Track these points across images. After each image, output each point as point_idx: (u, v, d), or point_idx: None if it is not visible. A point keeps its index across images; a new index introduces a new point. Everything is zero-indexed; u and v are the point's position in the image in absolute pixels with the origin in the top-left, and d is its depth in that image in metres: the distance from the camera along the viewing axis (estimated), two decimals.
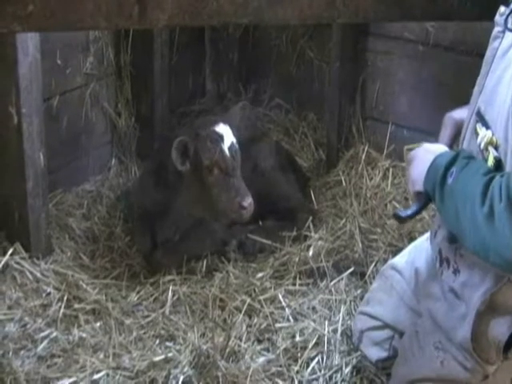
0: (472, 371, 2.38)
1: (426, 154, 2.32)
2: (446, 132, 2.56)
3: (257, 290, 3.42)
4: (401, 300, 2.86)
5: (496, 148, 2.09)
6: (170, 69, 4.63)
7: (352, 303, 3.34)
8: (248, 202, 3.37)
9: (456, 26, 3.92)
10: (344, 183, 4.29)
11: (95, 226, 3.95)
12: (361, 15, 2.42)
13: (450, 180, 2.13)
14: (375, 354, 2.94)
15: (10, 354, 3.01)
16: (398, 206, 4.03)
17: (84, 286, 3.42)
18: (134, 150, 4.52)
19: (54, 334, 3.14)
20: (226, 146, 3.40)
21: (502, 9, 2.22)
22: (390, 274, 2.98)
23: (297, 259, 3.61)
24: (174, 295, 3.41)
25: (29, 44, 3.23)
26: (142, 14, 2.16)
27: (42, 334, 3.14)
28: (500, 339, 2.30)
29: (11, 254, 3.50)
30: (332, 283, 3.48)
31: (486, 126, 2.15)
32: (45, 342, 3.10)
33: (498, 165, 2.07)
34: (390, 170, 4.20)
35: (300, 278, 3.54)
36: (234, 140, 3.46)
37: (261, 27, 4.95)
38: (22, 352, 3.05)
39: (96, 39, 4.17)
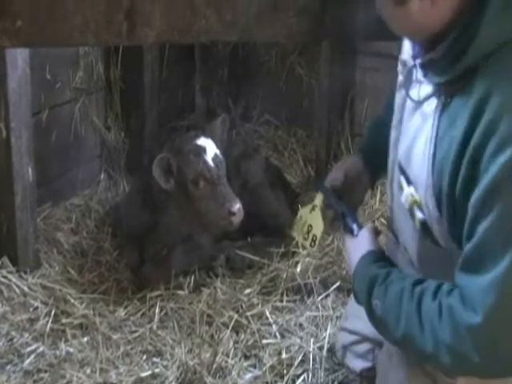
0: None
1: (350, 255, 2.38)
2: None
3: (244, 306, 3.42)
4: None
5: (421, 207, 2.06)
6: (160, 84, 4.64)
7: (339, 320, 3.33)
8: (237, 207, 3.38)
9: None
10: None
11: (83, 241, 3.95)
12: (349, 33, 2.44)
13: (378, 311, 2.11)
14: (360, 364, 2.91)
15: None
16: (385, 222, 4.03)
17: (72, 300, 3.41)
18: (123, 164, 4.53)
19: (41, 349, 3.13)
20: (209, 157, 3.42)
21: (406, 56, 2.17)
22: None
23: (284, 275, 3.62)
24: (161, 310, 3.41)
25: (18, 58, 3.24)
26: (130, 31, 2.17)
27: (29, 349, 3.12)
28: None
29: None
30: (319, 299, 3.48)
31: (409, 181, 2.13)
32: (31, 357, 3.08)
33: (425, 227, 2.07)
34: (379, 187, 4.20)
35: (287, 295, 3.54)
36: (217, 151, 3.48)
37: (250, 43, 4.97)
38: (9, 367, 3.04)
39: (86, 54, 4.18)
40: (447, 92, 1.93)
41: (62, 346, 3.16)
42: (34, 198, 3.58)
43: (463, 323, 1.83)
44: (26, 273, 3.55)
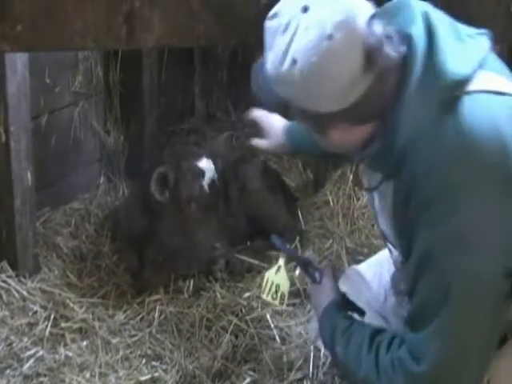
0: None
1: (315, 301, 2.61)
2: None
3: (243, 309, 3.42)
4: (368, 304, 2.84)
5: None
6: (159, 87, 4.64)
7: None
8: (220, 244, 3.44)
9: None
10: (332, 203, 4.29)
11: (83, 245, 3.94)
12: None
13: (340, 357, 2.30)
14: None
15: None
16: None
17: (71, 304, 3.41)
18: (122, 168, 4.52)
19: (40, 353, 3.13)
20: (206, 182, 3.43)
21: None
22: (357, 279, 2.95)
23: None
24: (160, 315, 3.41)
25: (17, 62, 3.23)
26: (130, 35, 2.17)
27: (28, 353, 3.13)
28: None
29: None
30: None
31: (394, 246, 2.33)
32: (31, 361, 3.08)
33: None
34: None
35: (288, 299, 3.54)
36: (216, 176, 3.48)
37: (250, 47, 4.96)
38: (8, 371, 3.04)
39: (85, 58, 4.17)
40: (390, 176, 2.10)
41: (62, 350, 3.16)
42: (33, 202, 3.57)
43: (411, 373, 2.02)
44: (25, 277, 3.54)
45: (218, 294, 3.55)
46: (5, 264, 3.54)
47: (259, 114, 3.04)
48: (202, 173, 3.40)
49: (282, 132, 2.95)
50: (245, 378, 3.05)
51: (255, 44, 2.41)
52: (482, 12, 2.54)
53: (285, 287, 2.84)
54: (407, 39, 1.96)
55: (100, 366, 3.09)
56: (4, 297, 3.41)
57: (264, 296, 2.87)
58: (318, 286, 2.63)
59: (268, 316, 3.37)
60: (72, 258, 3.84)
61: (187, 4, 2.22)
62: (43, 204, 4.03)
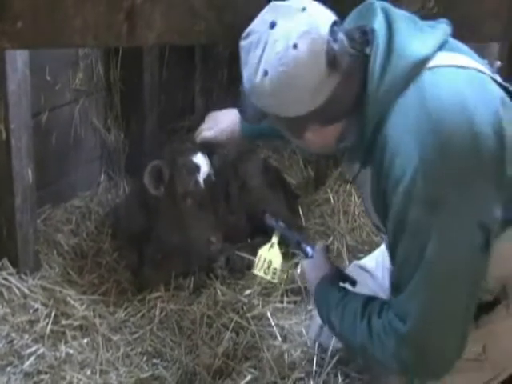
0: None
1: (308, 276, 2.76)
2: None
3: (244, 307, 3.43)
4: (375, 294, 2.86)
5: None
6: (160, 85, 4.63)
7: None
8: (216, 238, 3.39)
9: None
10: (332, 201, 4.30)
11: (83, 242, 3.94)
12: None
13: (337, 328, 2.48)
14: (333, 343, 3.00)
15: None
16: None
17: (72, 302, 3.41)
18: (123, 165, 4.52)
19: (41, 351, 3.13)
20: (201, 177, 3.41)
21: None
22: (359, 272, 3.02)
23: (284, 276, 3.61)
24: (161, 312, 3.41)
25: (18, 60, 3.23)
26: (130, 33, 2.17)
27: (29, 351, 3.12)
28: None
29: None
30: None
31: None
32: (32, 359, 3.08)
33: None
34: None
35: (287, 296, 3.54)
36: (211, 172, 3.46)
37: None
38: (9, 368, 3.04)
39: (85, 55, 4.17)
40: (365, 163, 2.27)
41: (62, 347, 3.16)
42: (33, 200, 3.57)
43: (400, 334, 2.17)
44: (26, 274, 3.54)
45: (218, 291, 3.55)
46: (5, 261, 3.54)
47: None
48: (196, 168, 3.40)
49: (238, 123, 3.06)
50: (245, 376, 3.04)
51: None
52: (484, 10, 2.54)
53: (277, 263, 2.96)
54: (370, 34, 2.15)
55: (101, 364, 3.09)
56: (5, 294, 3.41)
57: (256, 271, 2.99)
58: (310, 260, 2.80)
59: (269, 313, 3.37)
60: (73, 256, 3.84)
61: (188, 2, 2.22)
62: (44, 201, 4.03)
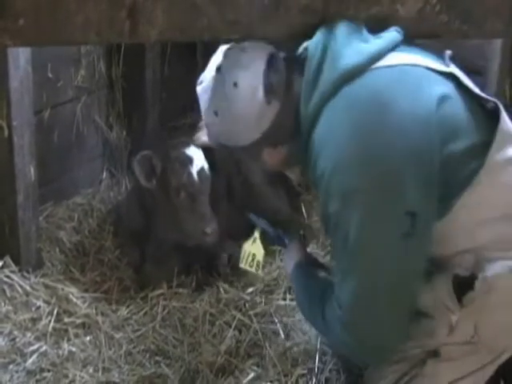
0: (437, 325, 2.41)
1: (285, 264, 2.97)
2: None
3: (247, 304, 3.42)
4: None
5: None
6: (162, 82, 4.63)
7: None
8: (211, 229, 3.38)
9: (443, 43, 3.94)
10: None
11: (85, 240, 3.95)
12: None
13: (304, 311, 2.68)
14: None
15: None
16: None
17: (74, 299, 3.41)
18: (125, 163, 4.52)
19: (44, 348, 3.13)
20: (194, 169, 3.41)
21: None
22: None
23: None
24: (164, 309, 3.41)
25: (20, 57, 3.23)
26: (133, 29, 2.16)
27: (32, 348, 3.12)
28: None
29: (1, 268, 3.50)
30: None
31: None
32: (34, 356, 3.08)
33: None
34: None
35: (290, 293, 3.54)
36: (205, 165, 3.46)
37: None
38: (11, 366, 3.04)
39: (87, 52, 4.17)
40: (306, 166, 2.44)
41: (65, 345, 3.16)
42: (36, 197, 3.57)
43: (340, 319, 2.32)
44: (28, 272, 3.54)
45: (221, 288, 3.55)
46: (8, 259, 3.53)
47: None
48: (189, 160, 3.39)
49: None
50: (248, 373, 3.03)
51: (259, 39, 2.41)
52: (486, 7, 2.53)
53: (260, 256, 3.09)
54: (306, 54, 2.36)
55: (103, 361, 3.09)
56: (7, 292, 3.42)
57: (242, 265, 3.09)
58: (286, 250, 3.00)
59: (272, 311, 3.37)
60: (75, 253, 3.85)
61: None
62: (46, 199, 4.03)
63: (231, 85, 2.34)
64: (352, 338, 2.32)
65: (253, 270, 3.10)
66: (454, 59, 2.46)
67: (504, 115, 2.36)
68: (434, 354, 2.46)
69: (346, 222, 2.21)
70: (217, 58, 2.44)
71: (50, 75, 3.87)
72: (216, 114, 2.40)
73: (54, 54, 3.87)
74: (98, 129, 4.41)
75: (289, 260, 2.89)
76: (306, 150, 2.35)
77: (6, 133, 3.32)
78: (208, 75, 2.43)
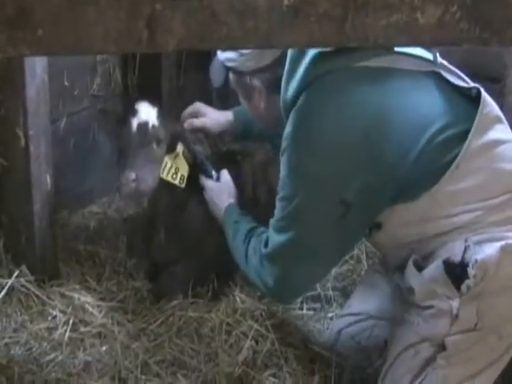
0: (439, 315, 2.45)
1: (215, 198, 3.28)
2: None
3: (264, 314, 3.39)
4: (384, 291, 2.93)
5: None
6: (178, 90, 4.62)
7: None
8: (124, 177, 3.25)
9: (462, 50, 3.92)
10: None
11: (101, 249, 3.93)
12: (371, 40, 2.40)
13: (231, 247, 3.03)
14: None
15: (15, 377, 2.98)
16: None
17: (90, 309, 3.40)
18: None
19: (60, 358, 3.11)
20: (135, 122, 3.27)
21: None
22: (370, 274, 3.23)
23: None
24: (180, 319, 3.38)
25: (36, 66, 3.23)
26: (151, 39, 2.14)
27: (48, 358, 3.11)
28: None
29: (17, 277, 3.47)
30: (338, 309, 3.47)
31: None
32: (50, 366, 3.07)
33: None
34: None
35: (307, 303, 3.52)
36: (152, 121, 3.30)
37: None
38: (28, 376, 3.02)
39: (103, 61, 4.18)
40: None
41: (81, 355, 3.15)
42: (52, 206, 3.56)
43: (260, 254, 2.75)
44: (44, 281, 3.53)
45: (237, 298, 3.53)
46: (24, 268, 3.52)
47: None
48: (135, 111, 3.31)
49: (231, 113, 3.66)
50: None
51: (277, 47, 2.40)
52: (508, 14, 2.50)
53: (184, 170, 3.29)
54: None
55: (119, 372, 3.07)
56: (23, 301, 3.40)
57: (164, 176, 3.26)
58: (216, 183, 3.28)
59: (289, 321, 3.34)
60: (90, 262, 3.84)
61: (209, 7, 2.19)
62: (62, 208, 4.02)
63: None
64: (268, 273, 2.71)
65: (176, 182, 3.27)
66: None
67: (485, 99, 2.51)
68: (443, 348, 2.45)
69: (292, 190, 2.57)
70: None
71: (66, 83, 3.87)
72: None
73: (70, 63, 3.87)
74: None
75: (222, 196, 3.24)
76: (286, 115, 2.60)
77: (23, 142, 3.32)
78: None
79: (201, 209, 3.44)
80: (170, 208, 3.55)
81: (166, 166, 3.24)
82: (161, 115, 3.35)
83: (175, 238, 3.57)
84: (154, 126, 3.29)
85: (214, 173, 3.30)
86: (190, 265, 3.62)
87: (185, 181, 3.28)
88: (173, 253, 3.61)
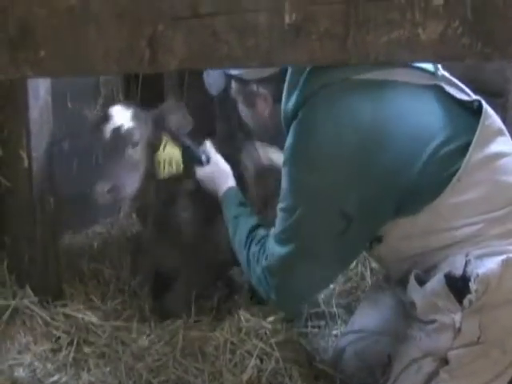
0: (442, 329, 2.44)
1: (211, 181, 3.25)
2: None
3: (268, 333, 3.38)
4: (387, 307, 2.93)
5: None
6: None
7: None
8: (98, 189, 3.21)
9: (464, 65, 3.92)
10: None
11: (105, 269, 3.93)
12: (372, 57, 2.40)
13: (231, 239, 2.99)
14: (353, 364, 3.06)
15: None
16: None
17: (94, 329, 3.39)
18: None
19: (64, 379, 3.11)
20: (108, 127, 3.22)
21: None
22: (373, 290, 3.22)
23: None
24: (184, 338, 3.37)
25: (40, 88, 3.24)
26: (152, 59, 2.15)
27: (52, 379, 3.10)
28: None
29: (21, 298, 3.47)
30: (342, 326, 3.45)
31: None
32: None
33: None
34: None
35: (311, 320, 3.51)
36: (127, 124, 3.23)
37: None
38: None
39: (106, 81, 4.19)
40: None
41: (85, 375, 3.14)
42: (55, 227, 3.57)
43: (261, 266, 2.71)
44: (48, 302, 3.52)
45: (241, 317, 3.51)
46: (27, 289, 3.51)
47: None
48: (108, 117, 3.25)
49: None
50: None
51: (278, 65, 2.41)
52: (508, 29, 2.50)
53: (177, 156, 3.26)
54: None
55: None
56: (27, 322, 3.40)
57: (163, 175, 3.26)
58: (208, 166, 3.28)
59: (293, 339, 3.33)
60: (94, 282, 3.83)
61: (210, 26, 2.20)
62: (65, 228, 4.02)
63: None
64: (270, 285, 2.70)
65: (174, 171, 3.25)
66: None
67: (487, 111, 2.51)
68: (445, 362, 2.44)
69: (293, 202, 2.57)
70: None
71: (69, 104, 3.88)
72: None
73: (73, 84, 3.87)
74: None
75: (220, 180, 3.20)
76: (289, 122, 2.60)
77: (26, 163, 3.33)
78: None
79: (192, 211, 3.46)
80: (161, 212, 3.52)
81: (159, 165, 3.23)
82: (135, 116, 3.28)
83: (172, 242, 3.56)
84: (128, 129, 3.22)
85: (203, 156, 3.28)
86: (191, 275, 3.61)
87: (181, 165, 3.26)
88: (172, 260, 3.61)
